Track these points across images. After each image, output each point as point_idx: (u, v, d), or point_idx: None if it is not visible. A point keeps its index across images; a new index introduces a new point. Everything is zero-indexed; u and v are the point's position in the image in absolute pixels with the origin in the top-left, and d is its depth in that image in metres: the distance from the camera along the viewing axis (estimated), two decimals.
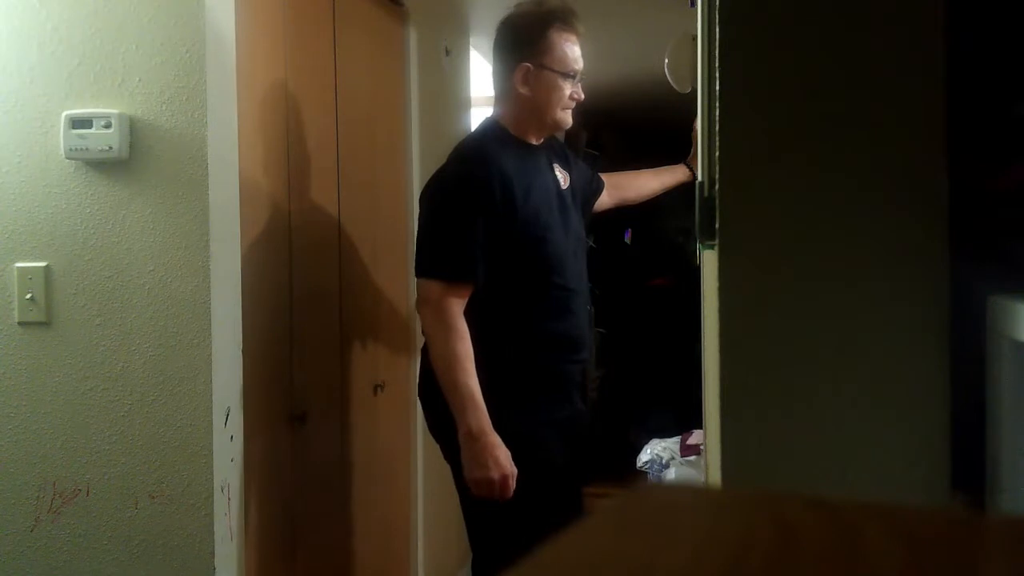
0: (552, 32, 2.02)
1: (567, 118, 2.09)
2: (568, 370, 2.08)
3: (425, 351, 2.07)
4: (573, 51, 2.05)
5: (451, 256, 1.94)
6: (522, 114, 2.06)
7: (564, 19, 2.04)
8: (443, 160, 2.11)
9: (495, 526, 1.96)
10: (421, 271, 1.97)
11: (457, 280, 1.93)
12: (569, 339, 2.05)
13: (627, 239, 5.95)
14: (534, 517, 1.89)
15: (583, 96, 2.09)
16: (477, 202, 1.93)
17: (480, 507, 1.96)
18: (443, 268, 1.94)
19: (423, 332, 2.01)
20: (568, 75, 2.04)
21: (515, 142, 2.05)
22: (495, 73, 2.11)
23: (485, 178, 1.93)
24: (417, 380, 2.15)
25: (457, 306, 1.92)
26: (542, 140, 2.13)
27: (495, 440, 1.87)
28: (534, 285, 2.00)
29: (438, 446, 2.14)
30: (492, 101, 2.17)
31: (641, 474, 4.20)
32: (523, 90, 2.02)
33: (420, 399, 2.13)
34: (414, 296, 2.80)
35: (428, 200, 2.04)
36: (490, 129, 2.10)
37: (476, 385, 1.88)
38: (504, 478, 1.87)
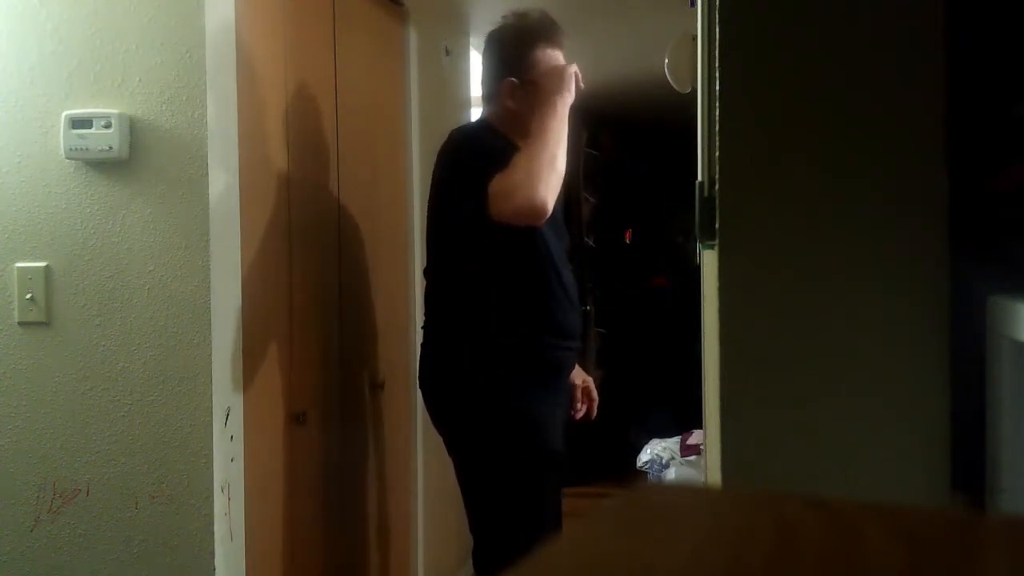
0: (537, 49, 2.15)
1: None
2: (563, 355, 2.17)
3: (425, 340, 2.18)
4: (557, 64, 2.17)
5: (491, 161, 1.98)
6: (510, 122, 2.15)
7: (548, 35, 2.17)
8: None
9: (496, 511, 2.07)
10: (477, 185, 1.96)
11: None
12: (561, 326, 2.12)
13: (627, 239, 5.96)
14: (533, 498, 2.03)
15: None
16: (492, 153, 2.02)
17: (483, 493, 2.08)
18: (490, 169, 1.96)
19: (526, 198, 1.94)
20: None
21: (504, 140, 2.13)
22: (483, 80, 2.24)
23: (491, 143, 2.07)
24: (417, 377, 2.17)
25: None
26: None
27: None
28: (529, 271, 2.07)
29: (439, 443, 2.17)
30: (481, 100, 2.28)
31: (641, 474, 4.20)
32: (510, 104, 2.14)
33: (422, 388, 2.18)
34: (414, 294, 2.83)
35: (447, 154, 2.13)
36: (482, 125, 2.22)
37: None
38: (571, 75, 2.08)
